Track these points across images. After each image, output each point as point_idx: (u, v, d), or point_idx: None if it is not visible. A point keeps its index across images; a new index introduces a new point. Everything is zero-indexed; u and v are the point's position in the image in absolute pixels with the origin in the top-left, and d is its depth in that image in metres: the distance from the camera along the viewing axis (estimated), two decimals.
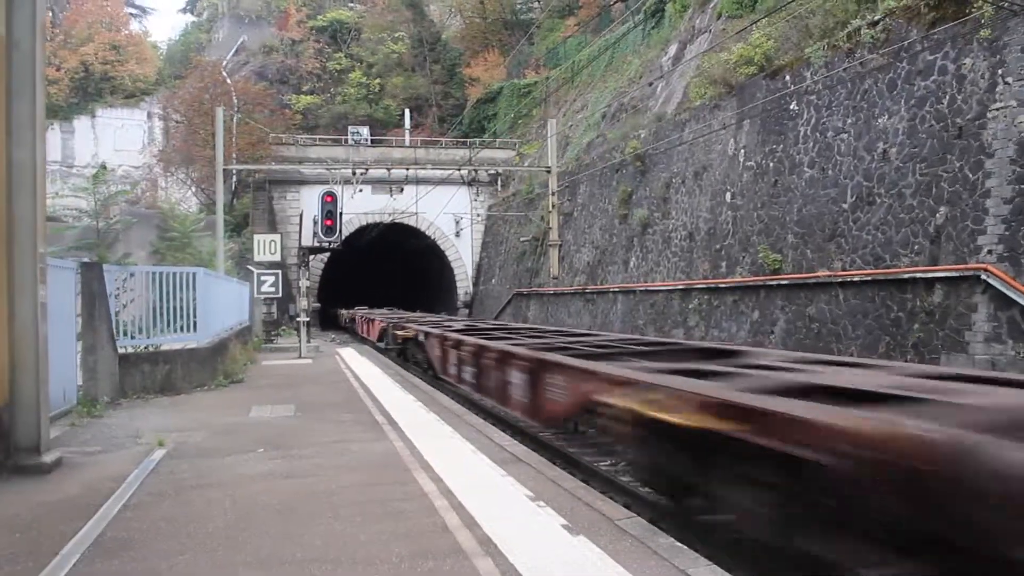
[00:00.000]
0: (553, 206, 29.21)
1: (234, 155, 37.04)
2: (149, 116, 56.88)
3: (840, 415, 4.11)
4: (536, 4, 60.14)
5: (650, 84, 31.22)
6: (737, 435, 4.70)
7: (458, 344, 12.97)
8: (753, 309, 18.83)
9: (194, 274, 15.13)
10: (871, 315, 15.13)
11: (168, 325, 14.51)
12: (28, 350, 7.72)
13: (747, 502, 4.94)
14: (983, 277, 12.74)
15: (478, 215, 43.66)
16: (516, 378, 9.40)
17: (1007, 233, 12.76)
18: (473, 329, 15.56)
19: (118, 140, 55.55)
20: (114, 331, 12.83)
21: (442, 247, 44.66)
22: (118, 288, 13.35)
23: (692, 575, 4.68)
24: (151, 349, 14.03)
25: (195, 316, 14.89)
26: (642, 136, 27.32)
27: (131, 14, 70.44)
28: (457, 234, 44.29)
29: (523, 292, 35.92)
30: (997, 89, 13.37)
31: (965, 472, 3.37)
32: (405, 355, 20.56)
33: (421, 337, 17.25)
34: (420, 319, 23.32)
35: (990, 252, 12.94)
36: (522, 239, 36.50)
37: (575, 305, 29.97)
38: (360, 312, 35.57)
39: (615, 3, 44.86)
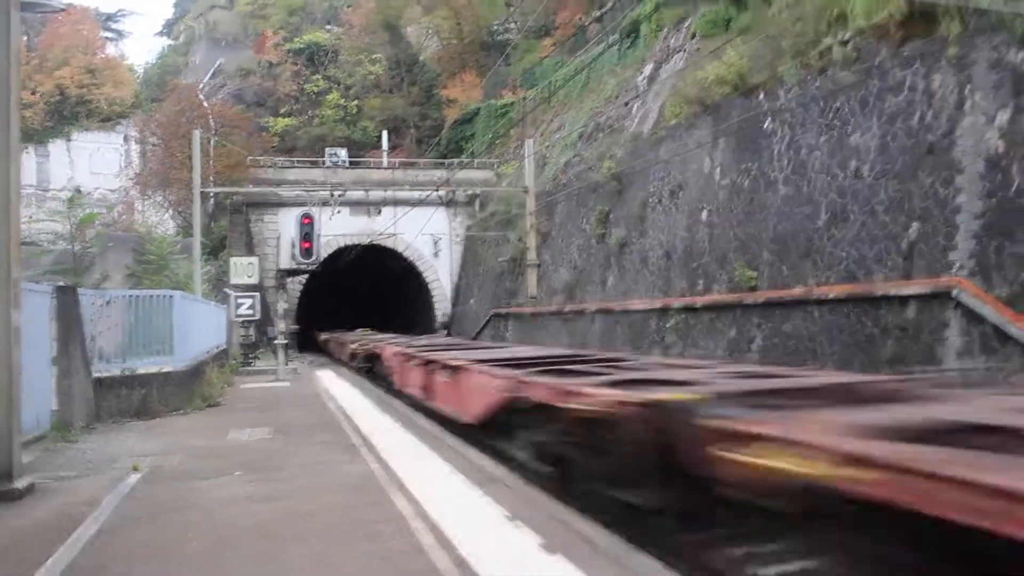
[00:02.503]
0: (531, 226, 29.28)
1: (211, 177, 36.95)
2: (126, 139, 56.67)
3: (620, 393, 6.44)
4: (513, 25, 60.43)
5: (626, 104, 31.41)
6: (559, 405, 7.35)
7: (408, 357, 15.41)
8: (730, 327, 18.93)
9: (171, 297, 15.09)
10: (846, 331, 15.24)
11: (144, 349, 14.44)
12: (0, 375, 7.66)
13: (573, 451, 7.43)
14: (955, 293, 12.87)
15: (456, 236, 43.65)
16: (452, 382, 11.60)
17: (978, 248, 12.91)
18: (425, 346, 17.64)
19: (94, 163, 55.27)
20: (89, 355, 12.75)
21: (420, 268, 44.59)
22: (94, 312, 13.28)
23: None
24: (127, 373, 13.94)
25: (172, 339, 14.82)
26: (619, 155, 27.48)
27: (107, 37, 70.21)
28: (435, 255, 44.26)
29: (501, 312, 35.92)
30: (965, 106, 13.56)
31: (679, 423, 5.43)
32: (372, 372, 22.24)
33: (378, 353, 20.30)
34: (384, 339, 25.27)
35: (962, 267, 13.08)
36: (500, 259, 36.52)
37: (553, 325, 30.00)
38: (335, 335, 36.83)
39: (591, 23, 45.17)
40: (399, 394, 16.69)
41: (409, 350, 16.25)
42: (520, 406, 8.49)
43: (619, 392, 6.49)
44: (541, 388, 7.99)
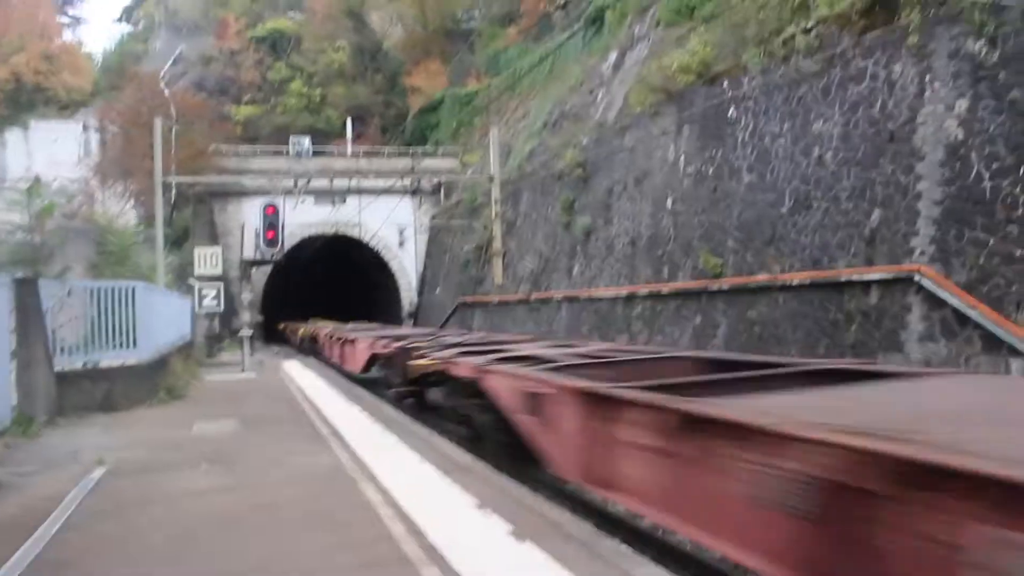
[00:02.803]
0: (496, 215, 29.23)
1: (173, 167, 36.44)
2: (85, 128, 55.68)
3: (462, 360, 10.02)
4: (477, 13, 60.21)
5: (591, 92, 31.44)
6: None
7: (337, 339, 23.30)
8: (695, 314, 19.05)
9: (133, 288, 14.88)
10: (810, 317, 15.40)
11: (107, 341, 14.23)
12: None
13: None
14: (916, 278, 13.04)
15: (421, 225, 43.50)
16: (352, 351, 19.82)
17: (938, 235, 13.09)
18: (347, 330, 25.74)
19: (53, 152, 54.20)
20: (51, 348, 12.57)
21: (386, 258, 44.42)
22: (55, 304, 13.08)
23: None
24: (90, 366, 13.75)
25: (135, 332, 14.62)
26: (584, 144, 27.51)
27: (64, 23, 69.14)
28: (401, 244, 44.11)
29: (468, 301, 35.89)
30: (925, 94, 13.72)
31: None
32: (314, 351, 29.92)
33: (318, 337, 29.35)
34: (323, 326, 31.34)
35: (922, 253, 13.26)
36: (466, 248, 36.47)
37: (519, 313, 30.03)
38: (292, 324, 40.10)
39: (556, 11, 45.13)
40: (327, 362, 25.06)
41: (332, 332, 25.72)
42: (391, 362, 14.91)
43: (438, 356, 11.38)
44: (389, 348, 15.19)
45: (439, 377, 10.95)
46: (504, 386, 8.01)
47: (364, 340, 18.36)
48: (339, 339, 22.40)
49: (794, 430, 3.91)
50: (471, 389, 9.18)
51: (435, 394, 11.84)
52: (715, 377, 6.40)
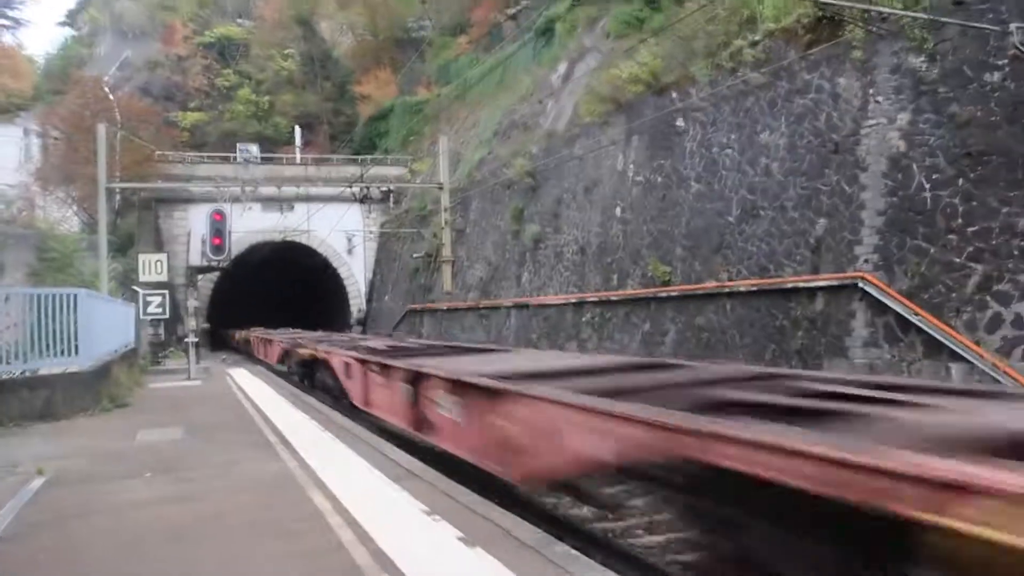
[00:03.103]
0: (446, 223, 29.16)
1: (118, 173, 35.84)
2: (25, 132, 54.49)
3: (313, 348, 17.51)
4: (428, 22, 60.15)
5: (540, 101, 31.59)
6: (299, 352, 19.66)
7: (262, 339, 29.08)
8: (644, 320, 19.19)
9: (75, 296, 14.58)
10: (757, 324, 15.61)
11: (48, 349, 13.92)
12: None
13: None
14: (860, 285, 13.29)
15: (371, 232, 43.30)
16: (271, 349, 25.58)
17: (881, 243, 13.35)
18: (273, 334, 29.84)
19: None
20: None
21: (335, 265, 44.15)
22: None
23: None
24: (29, 374, 13.44)
25: (77, 339, 14.32)
26: (533, 152, 27.61)
27: (3, 25, 67.61)
28: (350, 251, 43.86)
29: (417, 308, 35.79)
30: (869, 107, 14.01)
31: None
32: (247, 352, 34.86)
33: (251, 340, 34.24)
34: (261, 332, 33.77)
35: (866, 261, 13.51)
36: (415, 256, 36.38)
37: (468, 320, 30.01)
38: (231, 331, 42.49)
39: (506, 21, 45.26)
40: (259, 360, 29.91)
41: (263, 335, 30.48)
42: (291, 354, 21.11)
43: (313, 347, 17.44)
44: (292, 344, 21.24)
45: (312, 360, 17.86)
46: (336, 361, 14.18)
47: (277, 340, 25.24)
48: (263, 340, 29.35)
49: (399, 364, 9.67)
50: (324, 364, 16.07)
51: (312, 371, 18.74)
52: (425, 344, 15.89)
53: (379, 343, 16.17)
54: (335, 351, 14.47)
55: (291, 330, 33.38)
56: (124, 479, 8.39)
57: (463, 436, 7.60)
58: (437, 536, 5.84)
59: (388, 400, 10.18)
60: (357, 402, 12.30)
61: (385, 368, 10.40)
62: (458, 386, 7.55)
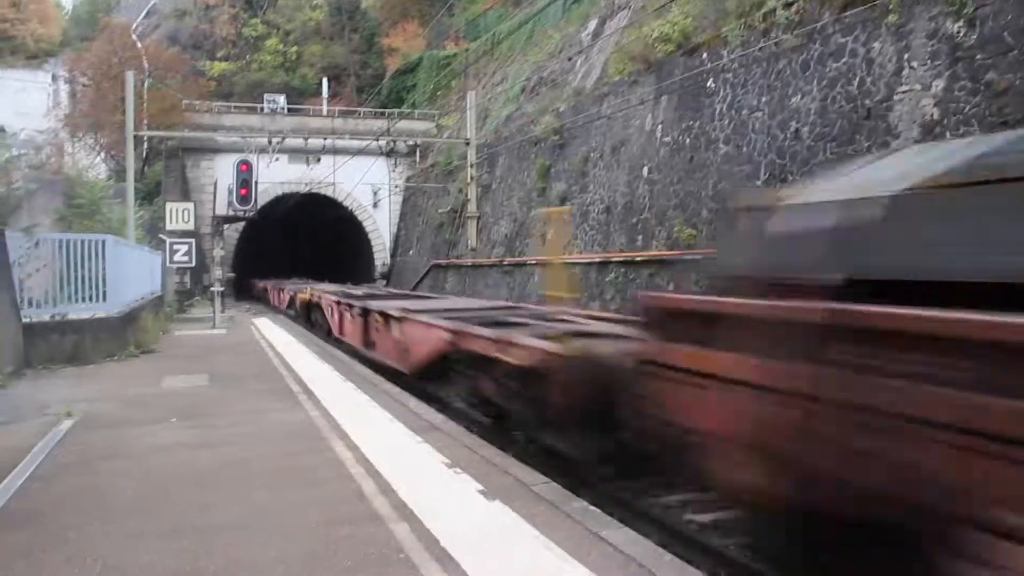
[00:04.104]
0: (472, 178, 29.17)
1: (145, 121, 35.98)
2: (54, 78, 54.67)
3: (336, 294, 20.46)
4: None
5: (569, 59, 31.29)
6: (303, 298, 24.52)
7: (276, 288, 34.38)
8: (668, 282, 19.15)
9: (103, 242, 14.73)
10: None
11: (76, 294, 14.10)
12: None
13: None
14: None
15: (396, 186, 43.24)
16: (282, 296, 31.34)
17: None
18: (286, 283, 34.75)
19: (19, 103, 53.19)
20: (18, 300, 12.44)
21: (360, 218, 44.18)
22: (22, 255, 12.93)
23: (604, 536, 4.81)
24: (58, 319, 13.63)
25: (105, 285, 14.49)
26: (561, 110, 27.42)
27: None
28: (375, 205, 43.86)
29: (441, 263, 35.82)
30: (903, 73, 13.79)
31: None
32: (264, 299, 38.73)
33: (265, 287, 39.66)
34: (277, 282, 37.17)
35: None
36: (440, 211, 36.35)
37: (493, 277, 30.04)
38: (254, 280, 44.70)
39: None
40: (275, 308, 33.31)
41: (273, 284, 36.52)
42: (295, 299, 26.56)
43: (309, 294, 23.52)
44: (292, 292, 28.01)
45: (310, 303, 22.40)
46: (325, 302, 19.58)
47: (287, 289, 30.64)
48: (276, 289, 34.82)
49: (356, 304, 15.81)
50: (317, 306, 20.92)
51: (310, 312, 22.83)
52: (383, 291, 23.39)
53: (359, 291, 21.87)
54: (324, 296, 20.44)
55: (299, 281, 36.82)
56: (150, 424, 8.54)
57: (384, 347, 13.03)
58: (457, 488, 5.92)
59: (351, 328, 16.05)
60: (335, 332, 17.87)
61: (349, 307, 16.20)
62: (383, 315, 13.12)
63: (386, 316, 12.76)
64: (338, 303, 17.50)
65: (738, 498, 4.90)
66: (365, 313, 14.49)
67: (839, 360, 3.84)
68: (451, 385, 10.76)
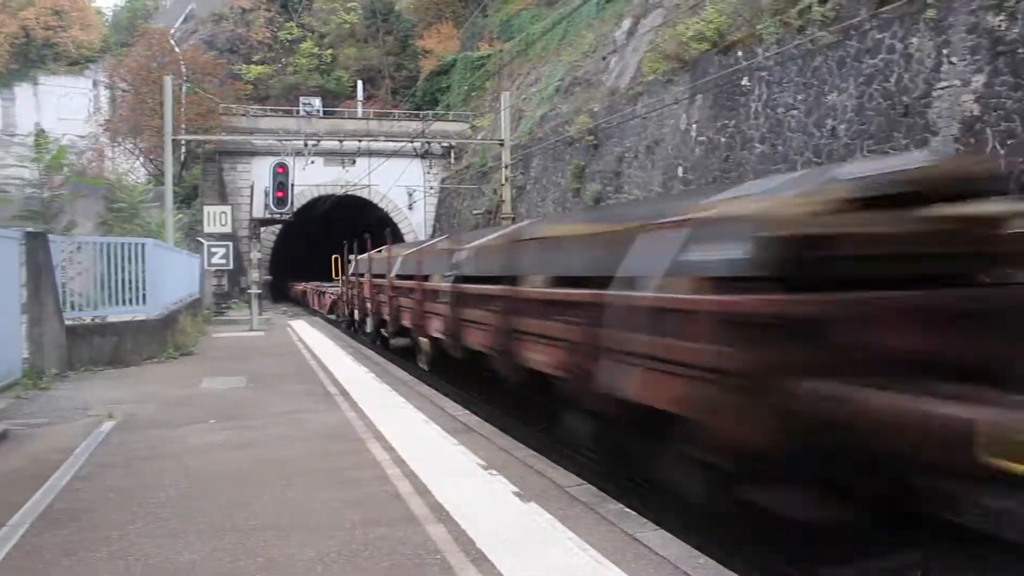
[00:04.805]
0: (506, 179, 29.16)
1: (183, 125, 36.45)
2: (95, 84, 55.61)
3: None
4: None
5: (604, 58, 31.21)
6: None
7: (316, 290, 35.96)
8: None
9: (143, 245, 14.93)
10: None
11: (117, 296, 14.31)
12: None
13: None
14: None
15: (431, 188, 43.39)
16: (320, 298, 33.99)
17: None
18: (312, 284, 38.12)
19: (62, 108, 54.20)
20: (61, 302, 12.64)
21: (395, 219, 44.31)
22: (64, 259, 13.14)
23: (640, 539, 4.79)
24: (99, 321, 13.84)
25: (144, 288, 14.69)
26: (595, 110, 27.37)
27: None
28: (410, 207, 44.05)
29: None
30: (942, 69, 13.61)
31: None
32: (303, 303, 40.65)
33: (305, 290, 41.11)
34: (314, 284, 38.29)
35: None
36: (475, 212, 36.42)
37: None
38: (293, 283, 45.69)
39: None
40: (311, 310, 35.56)
41: (313, 287, 37.16)
42: (307, 294, 38.66)
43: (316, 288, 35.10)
44: (326, 294, 31.47)
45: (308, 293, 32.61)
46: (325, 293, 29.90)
47: (327, 292, 31.23)
48: (316, 292, 35.41)
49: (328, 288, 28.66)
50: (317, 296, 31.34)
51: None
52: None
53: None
54: (326, 290, 24.68)
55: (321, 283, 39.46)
56: (189, 424, 8.65)
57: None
58: (493, 490, 5.93)
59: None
60: (323, 310, 22.06)
61: (323, 293, 20.99)
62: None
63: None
64: (319, 293, 26.10)
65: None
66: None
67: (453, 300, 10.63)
68: None
